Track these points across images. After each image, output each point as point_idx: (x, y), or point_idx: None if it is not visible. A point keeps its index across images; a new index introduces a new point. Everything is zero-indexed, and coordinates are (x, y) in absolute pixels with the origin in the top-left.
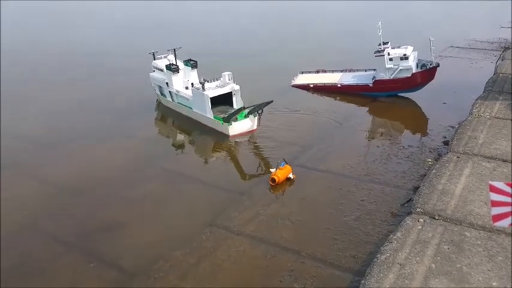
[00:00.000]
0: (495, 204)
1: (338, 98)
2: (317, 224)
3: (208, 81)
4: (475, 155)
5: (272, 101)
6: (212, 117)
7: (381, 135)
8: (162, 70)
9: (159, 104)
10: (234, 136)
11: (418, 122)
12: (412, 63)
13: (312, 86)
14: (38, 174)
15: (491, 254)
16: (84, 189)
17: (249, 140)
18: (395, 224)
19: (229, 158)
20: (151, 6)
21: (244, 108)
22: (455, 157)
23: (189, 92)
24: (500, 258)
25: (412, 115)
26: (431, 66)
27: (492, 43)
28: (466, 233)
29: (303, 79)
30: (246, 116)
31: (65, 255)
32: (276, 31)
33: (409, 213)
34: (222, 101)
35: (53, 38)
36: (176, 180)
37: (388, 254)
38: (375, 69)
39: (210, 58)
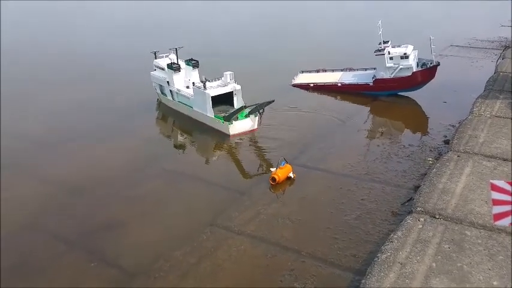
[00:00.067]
0: (496, 203)
1: (338, 97)
2: (317, 223)
3: (209, 81)
4: (476, 154)
5: (273, 101)
6: (213, 116)
7: (381, 135)
8: (163, 69)
9: (160, 104)
10: (235, 135)
11: (418, 121)
12: (412, 62)
13: (312, 85)
14: (38, 174)
15: (492, 253)
16: (84, 188)
17: (249, 140)
18: (395, 223)
19: (229, 157)
20: (151, 6)
21: (245, 107)
22: (456, 156)
23: (189, 91)
24: (500, 257)
25: (412, 114)
26: (431, 65)
27: (492, 42)
28: (466, 232)
29: (303, 78)
30: (247, 116)
31: (65, 254)
32: (276, 31)
33: (410, 212)
34: (223, 100)
35: (53, 38)
36: (176, 179)
37: (388, 253)
38: (375, 68)
39: (209, 58)
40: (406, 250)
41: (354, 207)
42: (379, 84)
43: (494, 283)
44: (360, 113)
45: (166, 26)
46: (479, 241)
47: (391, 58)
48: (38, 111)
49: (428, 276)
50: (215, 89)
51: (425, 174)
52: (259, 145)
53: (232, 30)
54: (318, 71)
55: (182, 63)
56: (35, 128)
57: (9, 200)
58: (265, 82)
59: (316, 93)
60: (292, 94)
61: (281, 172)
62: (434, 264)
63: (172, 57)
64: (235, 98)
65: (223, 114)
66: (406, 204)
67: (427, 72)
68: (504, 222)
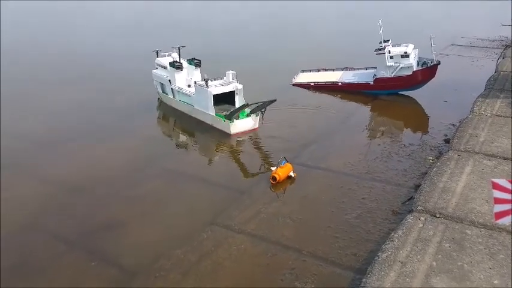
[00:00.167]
0: (498, 201)
1: (339, 96)
2: (318, 222)
3: (211, 80)
4: (476, 153)
5: (275, 100)
6: (214, 115)
7: (382, 134)
8: (165, 67)
9: (161, 104)
10: (236, 134)
11: (419, 120)
12: (413, 61)
13: (312, 84)
14: (38, 174)
15: (493, 252)
16: (84, 188)
17: (250, 139)
18: (396, 222)
19: (229, 156)
20: (151, 6)
21: (248, 105)
22: (456, 155)
23: (191, 89)
24: (501, 256)
25: (413, 113)
26: (432, 64)
27: (493, 41)
28: (467, 231)
29: (303, 78)
30: (248, 115)
31: (65, 254)
32: (276, 31)
33: (410, 211)
34: (224, 100)
35: (53, 38)
36: (177, 179)
37: (389, 252)
38: (375, 68)
39: (209, 58)
40: (406, 249)
41: (355, 206)
42: (380, 83)
43: (495, 282)
44: (361, 112)
45: (166, 26)
46: (480, 240)
47: (391, 57)
48: (38, 111)
49: (429, 275)
50: (217, 87)
51: (426, 173)
52: (260, 144)
53: (233, 30)
54: (318, 70)
55: (184, 63)
56: (35, 128)
57: (9, 200)
58: (266, 82)
59: (316, 93)
60: (293, 93)
61: (282, 171)
62: (434, 263)
63: (175, 56)
64: (236, 98)
65: (224, 113)
66: (407, 203)
67: (427, 71)
68: (505, 220)
